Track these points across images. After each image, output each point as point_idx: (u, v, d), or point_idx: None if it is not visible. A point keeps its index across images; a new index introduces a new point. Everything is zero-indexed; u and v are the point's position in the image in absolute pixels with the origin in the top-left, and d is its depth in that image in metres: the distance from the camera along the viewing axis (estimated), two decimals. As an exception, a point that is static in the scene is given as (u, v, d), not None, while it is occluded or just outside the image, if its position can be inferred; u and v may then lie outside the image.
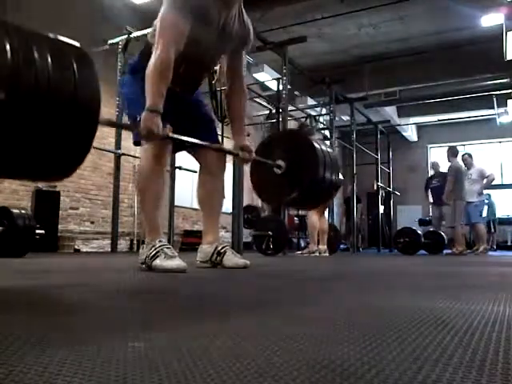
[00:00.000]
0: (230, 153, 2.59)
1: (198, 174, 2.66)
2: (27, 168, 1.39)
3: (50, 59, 1.28)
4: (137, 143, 2.42)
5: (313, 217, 6.05)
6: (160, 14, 2.22)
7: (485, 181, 7.96)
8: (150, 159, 2.34)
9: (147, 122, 2.05)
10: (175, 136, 2.24)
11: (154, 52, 2.15)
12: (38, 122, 1.27)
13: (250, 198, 10.38)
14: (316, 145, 2.91)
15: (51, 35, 1.40)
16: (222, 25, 2.33)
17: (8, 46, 1.22)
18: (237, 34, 2.42)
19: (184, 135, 2.34)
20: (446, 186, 7.56)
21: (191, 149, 2.58)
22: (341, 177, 3.17)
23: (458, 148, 8.20)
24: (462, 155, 8.18)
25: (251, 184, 3.18)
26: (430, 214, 10.03)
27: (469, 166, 8.00)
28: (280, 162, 2.85)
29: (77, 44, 1.44)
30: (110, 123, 2.15)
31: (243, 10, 2.47)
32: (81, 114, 1.35)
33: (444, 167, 8.25)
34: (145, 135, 2.10)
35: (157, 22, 2.23)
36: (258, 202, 10.55)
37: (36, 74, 1.24)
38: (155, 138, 2.12)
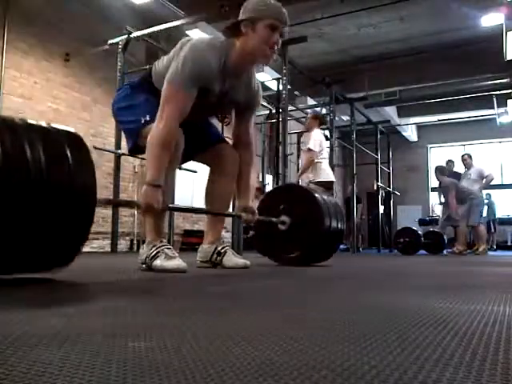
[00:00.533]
0: (232, 216, 2.59)
1: (208, 173, 2.64)
2: (23, 262, 1.39)
3: (42, 149, 1.28)
4: (132, 151, 2.41)
5: None
6: (168, 77, 2.14)
7: (484, 181, 7.95)
8: (168, 118, 2.29)
9: (148, 197, 2.06)
10: (175, 206, 2.25)
11: (158, 119, 2.11)
12: (33, 213, 1.27)
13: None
14: (318, 197, 2.92)
15: (44, 124, 1.41)
16: (225, 91, 2.30)
17: None
18: (242, 100, 2.41)
19: (194, 138, 2.36)
20: (450, 202, 7.58)
21: (199, 156, 2.59)
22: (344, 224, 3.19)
23: (458, 148, 8.20)
24: (462, 155, 8.20)
25: (255, 247, 3.19)
26: (436, 213, 10.01)
27: (468, 166, 8.00)
28: (284, 218, 2.86)
29: (71, 129, 1.45)
30: (109, 202, 2.17)
31: (254, 75, 2.46)
32: (77, 201, 1.35)
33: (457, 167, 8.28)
34: (145, 210, 2.10)
35: (164, 83, 2.15)
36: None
37: (28, 165, 1.24)
38: (155, 212, 2.12)
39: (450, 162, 8.71)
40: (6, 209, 1.21)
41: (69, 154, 1.34)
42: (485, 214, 8.83)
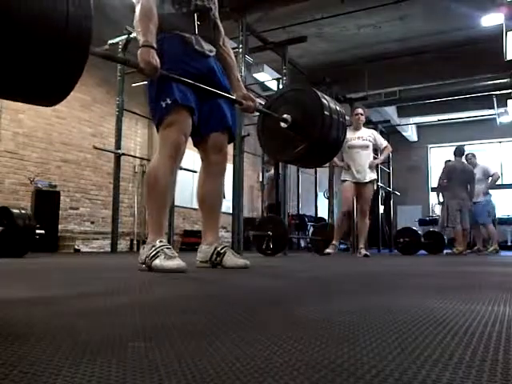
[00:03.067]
0: (234, 101, 2.60)
1: (198, 173, 2.66)
2: (18, 87, 1.39)
3: None
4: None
5: (340, 215, 5.98)
6: None
7: (489, 180, 7.89)
8: (166, 160, 2.34)
9: (144, 55, 2.18)
10: (177, 77, 2.28)
11: (136, 7, 2.33)
12: (30, 41, 1.27)
13: (250, 198, 10.39)
14: (323, 100, 2.90)
15: None
16: None
17: None
18: None
19: (207, 106, 2.48)
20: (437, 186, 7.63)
21: (198, 140, 2.59)
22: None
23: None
24: (466, 155, 8.11)
25: (258, 140, 3.21)
26: (436, 213, 10.00)
27: (473, 165, 7.94)
28: (286, 116, 2.86)
29: None
30: (102, 55, 2.20)
31: None
32: (71, 41, 1.34)
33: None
34: (144, 68, 2.17)
35: None
36: (258, 202, 10.55)
37: None
38: (155, 70, 2.18)
39: (447, 161, 8.68)
40: (5, 33, 1.22)
41: None
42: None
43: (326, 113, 2.84)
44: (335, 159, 5.66)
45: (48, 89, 1.41)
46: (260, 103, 9.95)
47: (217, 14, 2.67)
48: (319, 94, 2.99)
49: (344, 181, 5.89)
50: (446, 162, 8.78)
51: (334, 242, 5.89)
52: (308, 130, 2.85)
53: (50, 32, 1.29)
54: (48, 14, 1.29)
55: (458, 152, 7.84)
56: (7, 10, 1.23)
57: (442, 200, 8.21)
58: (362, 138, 5.92)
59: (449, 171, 7.65)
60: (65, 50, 1.32)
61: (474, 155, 8.11)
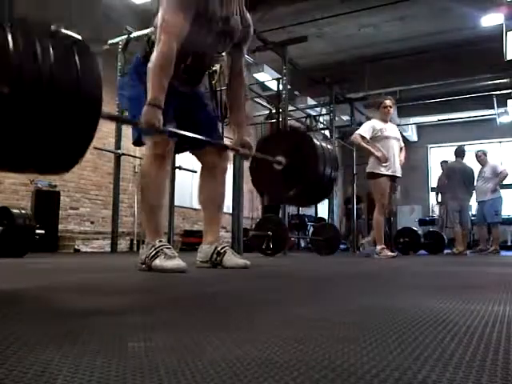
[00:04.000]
0: (230, 149, 2.60)
1: (199, 174, 2.66)
2: (30, 161, 1.39)
3: (52, 53, 1.28)
4: (136, 143, 2.42)
5: (378, 216, 5.46)
6: (162, 10, 2.22)
7: (497, 178, 7.80)
8: (153, 158, 2.34)
9: (148, 115, 2.07)
10: (176, 131, 2.25)
11: (156, 47, 2.17)
12: (41, 115, 1.27)
13: (250, 198, 10.39)
14: (316, 141, 2.91)
15: (54, 27, 1.40)
16: (222, 18, 2.35)
17: (11, 40, 1.22)
18: (237, 29, 2.44)
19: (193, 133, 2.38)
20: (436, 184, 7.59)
21: (193, 149, 2.59)
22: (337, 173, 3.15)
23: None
24: (477, 152, 7.93)
25: (251, 179, 3.18)
26: (436, 213, 9.98)
27: (483, 163, 7.79)
28: (280, 158, 2.86)
29: (79, 37, 1.44)
30: (111, 117, 2.16)
31: (244, 7, 2.49)
32: (83, 107, 1.35)
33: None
34: (146, 129, 2.11)
35: (158, 18, 2.23)
36: (258, 202, 10.56)
37: (38, 67, 1.24)
38: (156, 132, 2.13)
39: (443, 163, 8.67)
40: (17, 106, 1.22)
41: (77, 60, 1.33)
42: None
43: (319, 154, 2.85)
44: (373, 149, 5.25)
45: (60, 157, 1.42)
46: (260, 103, 9.86)
47: (242, 48, 2.56)
48: (311, 134, 3.05)
49: (379, 175, 5.28)
50: (441, 163, 8.78)
51: (383, 246, 5.40)
52: (303, 172, 2.86)
53: (63, 99, 1.30)
54: (61, 84, 1.29)
55: (459, 152, 7.80)
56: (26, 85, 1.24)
57: (440, 200, 8.19)
58: (394, 131, 5.58)
59: (448, 172, 7.64)
60: (77, 115, 1.34)
61: (484, 153, 7.88)
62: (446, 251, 7.86)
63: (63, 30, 1.41)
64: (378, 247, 5.38)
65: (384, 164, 5.28)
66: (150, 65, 2.14)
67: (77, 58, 1.34)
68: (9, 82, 1.20)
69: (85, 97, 1.35)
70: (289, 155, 2.87)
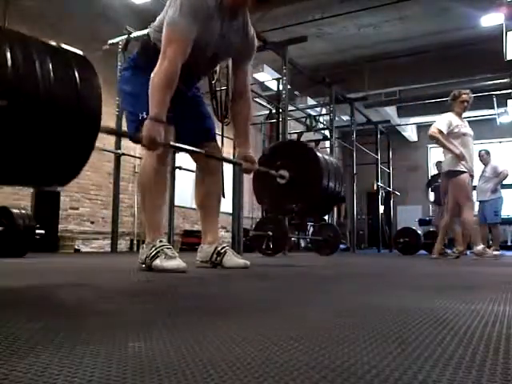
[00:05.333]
0: (233, 163, 2.61)
1: (195, 174, 2.67)
2: (28, 174, 1.40)
3: (51, 67, 1.29)
4: (135, 141, 2.43)
5: (469, 216, 5.00)
6: (168, 20, 2.19)
7: (497, 178, 7.77)
8: (153, 158, 2.34)
9: (150, 131, 2.06)
10: (176, 145, 2.26)
11: (160, 60, 2.14)
12: (39, 129, 1.28)
13: (250, 198, 10.39)
14: (319, 155, 2.92)
15: (53, 43, 1.41)
16: (223, 33, 2.33)
17: (9, 55, 1.23)
18: (239, 45, 2.43)
19: (183, 132, 2.38)
20: (441, 188, 7.56)
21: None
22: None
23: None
24: (479, 152, 7.88)
25: (254, 193, 3.19)
26: (431, 213, 9.97)
27: (485, 162, 7.73)
28: (283, 172, 2.86)
29: (78, 52, 1.45)
30: (110, 131, 2.16)
31: (249, 23, 2.46)
32: (82, 121, 1.35)
33: None
34: (147, 144, 2.10)
35: (164, 28, 2.19)
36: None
37: (37, 81, 1.25)
38: (157, 147, 2.13)
39: (439, 163, 8.60)
40: (14, 122, 1.23)
41: (76, 74, 1.34)
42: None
43: (323, 169, 2.86)
44: (451, 146, 4.96)
45: (58, 171, 1.43)
46: (260, 103, 9.85)
47: (244, 67, 2.55)
48: (314, 150, 3.07)
49: (461, 172, 4.96)
50: (437, 164, 8.76)
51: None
52: (306, 187, 2.86)
53: (61, 113, 1.30)
54: (59, 98, 1.30)
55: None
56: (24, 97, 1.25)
57: (432, 199, 8.18)
58: (469, 127, 5.29)
59: None
60: (76, 130, 1.34)
61: (487, 152, 7.79)
62: (446, 251, 7.85)
63: (63, 45, 1.42)
64: (479, 247, 5.00)
65: (462, 162, 4.97)
66: (153, 78, 2.12)
67: (76, 72, 1.35)
68: (7, 96, 1.21)
69: (84, 112, 1.35)
70: (292, 169, 2.88)
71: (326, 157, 3.02)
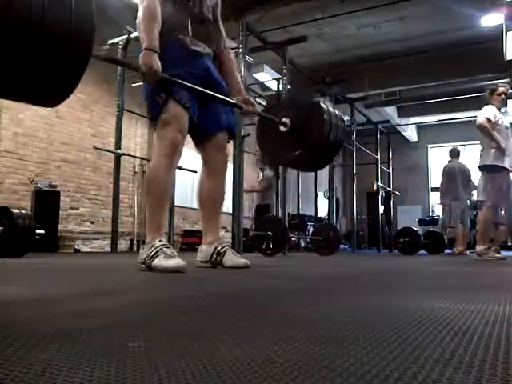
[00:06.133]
0: (234, 105, 2.61)
1: (200, 173, 2.66)
2: (22, 90, 1.40)
3: None
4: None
5: (488, 213, 4.86)
6: None
7: None
8: (162, 158, 2.35)
9: (146, 59, 2.20)
10: (178, 81, 2.29)
11: (140, 5, 2.35)
12: (31, 47, 1.28)
13: (250, 198, 10.38)
14: (322, 104, 2.93)
15: None
16: None
17: None
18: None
19: (205, 105, 2.47)
20: (440, 187, 7.60)
21: (199, 140, 2.60)
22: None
23: (459, 148, 8.11)
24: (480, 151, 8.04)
25: (257, 143, 3.21)
26: (436, 213, 9.95)
27: None
28: (285, 120, 2.88)
29: None
30: (106, 59, 2.26)
31: None
32: (74, 41, 1.35)
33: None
34: (145, 72, 2.20)
35: None
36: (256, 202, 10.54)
37: (30, 2, 1.26)
38: (155, 75, 2.21)
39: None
40: (9, 39, 1.23)
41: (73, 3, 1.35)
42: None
43: (325, 116, 2.86)
44: (499, 137, 4.67)
45: (51, 88, 1.43)
46: (260, 103, 9.91)
47: (219, 17, 2.67)
48: (318, 98, 3.05)
49: (501, 168, 4.75)
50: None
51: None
52: (307, 133, 2.87)
53: (54, 30, 1.30)
54: (53, 12, 1.30)
55: (454, 153, 7.86)
56: (9, 10, 1.24)
57: (443, 201, 8.19)
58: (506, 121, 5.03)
59: (449, 172, 7.65)
60: (68, 48, 1.34)
61: None
62: (446, 251, 7.86)
63: None
64: (481, 247, 4.85)
65: (504, 156, 4.72)
66: (138, 20, 2.32)
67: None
68: None
69: (76, 32, 1.36)
70: (295, 117, 2.90)
71: (330, 107, 3.01)
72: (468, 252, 7.62)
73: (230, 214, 5.77)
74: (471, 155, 8.33)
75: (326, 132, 2.86)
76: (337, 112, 3.01)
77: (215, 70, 2.60)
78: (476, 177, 7.62)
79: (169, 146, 2.35)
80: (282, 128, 2.88)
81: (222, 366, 0.52)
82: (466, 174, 7.66)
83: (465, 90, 10.17)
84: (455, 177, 7.58)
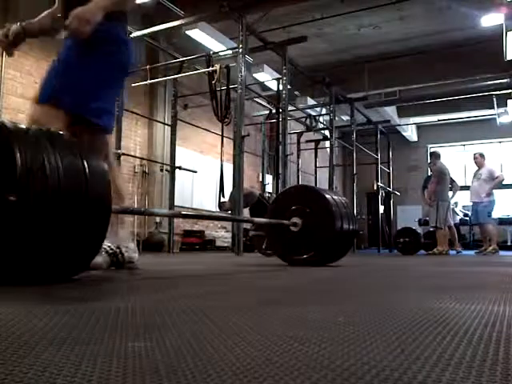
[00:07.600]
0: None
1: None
2: (40, 268, 1.43)
3: (59, 159, 1.33)
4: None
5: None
6: None
7: (494, 182, 7.90)
8: None
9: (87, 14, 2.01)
10: None
11: None
12: (49, 222, 1.31)
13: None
14: (328, 196, 2.92)
15: (61, 132, 1.45)
16: None
17: (18, 150, 1.27)
18: None
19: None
20: (429, 187, 7.67)
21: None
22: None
23: (458, 148, 8.17)
24: (474, 154, 8.12)
25: (267, 245, 3.12)
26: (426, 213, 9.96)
27: (480, 165, 7.93)
28: (296, 220, 2.87)
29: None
30: (124, 211, 2.17)
31: None
32: (92, 211, 1.39)
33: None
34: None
35: None
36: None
37: (46, 174, 1.29)
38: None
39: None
40: (27, 219, 1.26)
41: (85, 165, 1.38)
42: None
43: (334, 210, 2.85)
44: None
45: (70, 262, 1.49)
46: (260, 103, 9.81)
47: None
48: (322, 191, 3.06)
49: None
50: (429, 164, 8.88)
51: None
52: (320, 233, 2.86)
53: (70, 205, 1.36)
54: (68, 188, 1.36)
55: (437, 155, 8.03)
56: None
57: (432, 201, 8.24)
58: None
59: (440, 173, 7.70)
60: (86, 220, 1.40)
61: (481, 155, 8.03)
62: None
63: (67, 137, 1.46)
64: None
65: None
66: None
67: (85, 162, 1.39)
68: (16, 190, 1.25)
69: (94, 199, 1.40)
70: (304, 215, 2.89)
71: (335, 197, 3.01)
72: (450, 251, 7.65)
73: (229, 214, 5.77)
74: (471, 155, 8.33)
75: (339, 230, 2.87)
76: (342, 200, 3.03)
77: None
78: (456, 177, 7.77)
79: None
80: (293, 229, 2.88)
81: (222, 366, 0.52)
82: (449, 175, 7.80)
83: (465, 90, 10.17)
84: (445, 178, 7.66)
